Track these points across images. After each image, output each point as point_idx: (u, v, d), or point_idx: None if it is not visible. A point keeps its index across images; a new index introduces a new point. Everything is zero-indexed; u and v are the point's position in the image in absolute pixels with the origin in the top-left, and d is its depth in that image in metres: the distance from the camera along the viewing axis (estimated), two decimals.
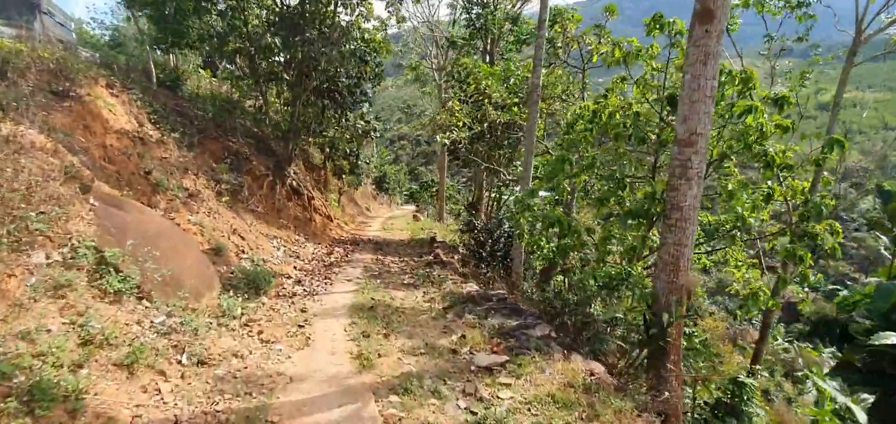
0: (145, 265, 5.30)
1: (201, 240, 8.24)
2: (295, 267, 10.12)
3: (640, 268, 6.67)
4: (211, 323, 5.65)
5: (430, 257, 12.60)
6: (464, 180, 39.67)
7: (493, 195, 15.91)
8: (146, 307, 5.07)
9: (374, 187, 39.43)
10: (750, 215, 6.67)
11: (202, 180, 10.23)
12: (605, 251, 6.83)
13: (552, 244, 8.47)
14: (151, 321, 4.88)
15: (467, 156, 13.04)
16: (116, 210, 5.97)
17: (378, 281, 9.56)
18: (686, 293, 5.27)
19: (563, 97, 11.08)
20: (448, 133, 11.27)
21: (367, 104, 19.09)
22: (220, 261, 8.14)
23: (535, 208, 8.29)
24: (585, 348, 5.90)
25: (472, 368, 4.97)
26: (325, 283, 9.26)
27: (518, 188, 14.48)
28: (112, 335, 4.21)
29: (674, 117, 7.92)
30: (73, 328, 4.09)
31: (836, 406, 8.81)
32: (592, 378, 4.74)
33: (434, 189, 35.23)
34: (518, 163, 14.11)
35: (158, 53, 15.89)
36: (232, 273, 7.95)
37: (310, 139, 17.08)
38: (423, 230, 19.74)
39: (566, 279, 11.20)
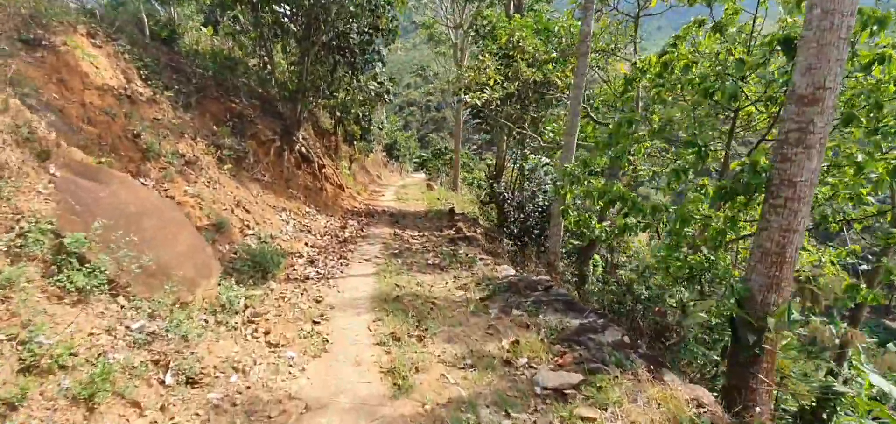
0: (120, 252, 4.19)
1: (199, 215, 7.13)
2: (306, 244, 9.04)
3: (726, 257, 5.46)
4: (206, 322, 4.60)
5: (453, 232, 11.49)
6: (475, 147, 38.10)
7: (517, 163, 14.59)
8: (121, 308, 3.98)
9: (384, 154, 38.06)
10: (869, 191, 5.37)
11: (201, 144, 9.06)
12: (681, 235, 5.61)
13: (604, 225, 7.27)
14: (127, 328, 3.80)
15: (496, 119, 11.66)
16: (88, 182, 4.84)
17: (399, 261, 8.46)
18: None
19: (613, 49, 9.59)
20: (478, 93, 9.88)
21: (380, 64, 17.58)
22: (221, 239, 7.06)
23: (584, 182, 7.07)
24: (668, 358, 4.75)
25: (537, 390, 3.87)
26: (341, 263, 8.18)
27: (544, 159, 13.15)
28: (67, 354, 3.13)
29: (759, 72, 6.56)
30: (13, 347, 3.01)
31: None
32: (702, 411, 3.61)
33: (447, 157, 33.90)
34: (549, 128, 12.74)
35: (160, 10, 14.55)
36: (235, 254, 6.89)
37: (319, 102, 15.74)
38: (439, 201, 18.60)
39: (604, 265, 10.04)
